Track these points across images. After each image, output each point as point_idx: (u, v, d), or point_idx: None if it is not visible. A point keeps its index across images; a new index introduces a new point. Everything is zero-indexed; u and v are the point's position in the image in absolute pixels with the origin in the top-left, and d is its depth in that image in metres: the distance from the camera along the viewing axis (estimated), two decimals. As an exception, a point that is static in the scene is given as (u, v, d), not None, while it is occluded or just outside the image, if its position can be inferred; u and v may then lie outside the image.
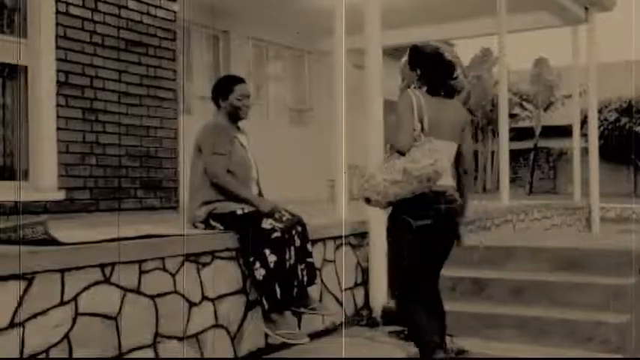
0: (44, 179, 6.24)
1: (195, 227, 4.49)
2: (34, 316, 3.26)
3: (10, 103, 6.32)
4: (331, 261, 5.28)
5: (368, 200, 3.86)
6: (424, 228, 3.82)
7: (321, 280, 5.11)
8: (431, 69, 3.94)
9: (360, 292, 5.63)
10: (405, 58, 4.06)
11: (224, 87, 4.62)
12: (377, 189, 3.78)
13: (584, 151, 12.45)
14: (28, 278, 3.25)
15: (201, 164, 4.46)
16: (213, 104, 4.69)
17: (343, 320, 5.23)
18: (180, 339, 3.98)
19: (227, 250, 4.33)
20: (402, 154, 3.76)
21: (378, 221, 5.42)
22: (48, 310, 3.32)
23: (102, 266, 3.59)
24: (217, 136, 4.48)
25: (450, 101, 3.99)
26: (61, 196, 6.30)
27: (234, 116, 4.61)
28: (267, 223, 4.25)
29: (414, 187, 3.73)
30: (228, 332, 4.31)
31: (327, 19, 6.13)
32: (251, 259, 4.25)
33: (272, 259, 4.19)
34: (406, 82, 4.03)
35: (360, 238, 5.65)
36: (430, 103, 3.86)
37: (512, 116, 22.79)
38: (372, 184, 3.80)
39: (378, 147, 5.41)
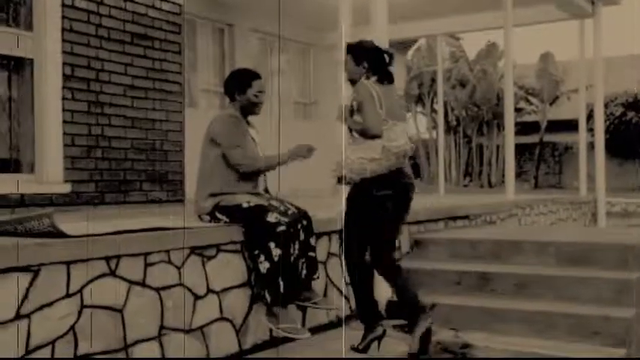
0: (50, 172, 6.24)
1: (201, 219, 4.50)
2: (40, 308, 3.28)
3: (16, 96, 6.33)
4: (336, 254, 5.28)
5: (340, 180, 4.33)
6: (385, 198, 4.32)
7: (326, 274, 5.12)
8: (376, 61, 4.44)
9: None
10: (347, 56, 4.52)
11: (242, 81, 4.60)
12: (352, 167, 4.25)
13: (590, 146, 12.45)
14: (35, 270, 3.26)
15: (214, 156, 4.45)
16: (224, 96, 4.70)
17: (343, 316, 5.23)
18: (185, 332, 3.99)
19: (232, 242, 4.33)
20: (376, 137, 4.23)
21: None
22: (54, 302, 3.34)
23: (107, 259, 3.60)
24: (235, 127, 4.49)
25: (393, 87, 4.52)
26: (66, 189, 6.31)
27: (248, 111, 4.62)
28: (272, 217, 4.25)
29: (392, 163, 4.25)
30: (233, 325, 4.32)
31: (333, 12, 6.11)
32: (256, 252, 4.25)
33: (277, 252, 4.19)
34: (349, 77, 4.52)
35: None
36: (382, 90, 4.34)
37: (517, 110, 22.74)
38: (346, 163, 4.27)
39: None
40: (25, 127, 6.32)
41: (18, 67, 6.32)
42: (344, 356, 4.46)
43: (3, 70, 6.28)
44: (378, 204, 4.33)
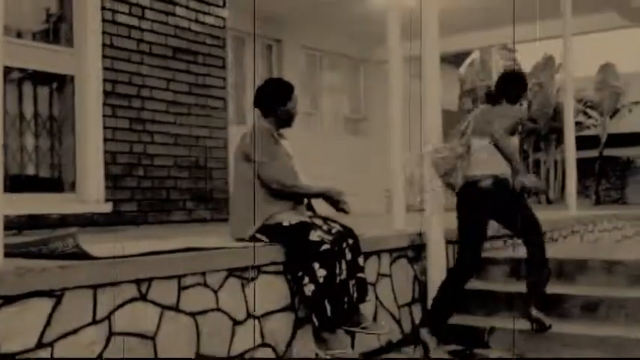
0: (91, 191, 6.14)
1: (240, 240, 4.23)
2: (64, 335, 3.05)
3: (57, 114, 6.23)
4: (387, 275, 4.98)
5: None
6: None
7: (376, 296, 4.80)
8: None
9: (417, 308, 5.28)
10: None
11: (282, 93, 4.38)
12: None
13: (655, 159, 11.85)
14: (58, 295, 3.04)
15: (251, 174, 4.17)
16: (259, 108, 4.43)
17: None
18: (223, 360, 3.72)
19: (273, 263, 4.07)
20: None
21: (436, 232, 5.17)
22: (79, 329, 3.11)
23: (138, 282, 3.36)
24: (269, 141, 4.24)
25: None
26: (108, 208, 6.17)
27: (284, 124, 4.37)
28: (315, 235, 3.97)
29: None
30: (276, 352, 4.05)
31: (382, 26, 5.85)
32: (299, 273, 3.99)
33: (321, 273, 3.92)
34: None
35: (417, 250, 5.31)
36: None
37: (576, 124, 22.05)
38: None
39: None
40: (66, 146, 6.22)
41: (59, 84, 6.22)
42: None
43: (44, 88, 6.19)
44: None
